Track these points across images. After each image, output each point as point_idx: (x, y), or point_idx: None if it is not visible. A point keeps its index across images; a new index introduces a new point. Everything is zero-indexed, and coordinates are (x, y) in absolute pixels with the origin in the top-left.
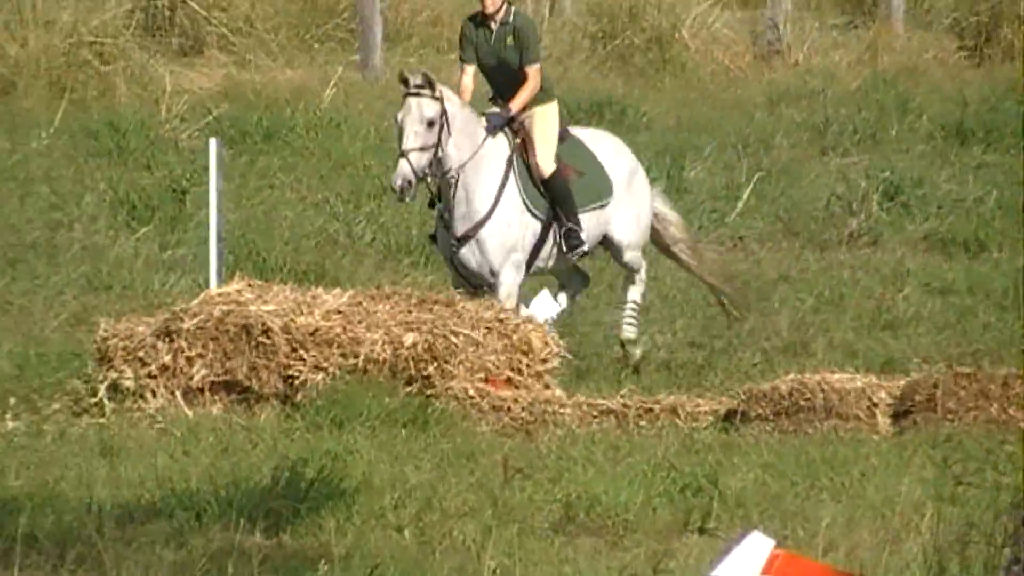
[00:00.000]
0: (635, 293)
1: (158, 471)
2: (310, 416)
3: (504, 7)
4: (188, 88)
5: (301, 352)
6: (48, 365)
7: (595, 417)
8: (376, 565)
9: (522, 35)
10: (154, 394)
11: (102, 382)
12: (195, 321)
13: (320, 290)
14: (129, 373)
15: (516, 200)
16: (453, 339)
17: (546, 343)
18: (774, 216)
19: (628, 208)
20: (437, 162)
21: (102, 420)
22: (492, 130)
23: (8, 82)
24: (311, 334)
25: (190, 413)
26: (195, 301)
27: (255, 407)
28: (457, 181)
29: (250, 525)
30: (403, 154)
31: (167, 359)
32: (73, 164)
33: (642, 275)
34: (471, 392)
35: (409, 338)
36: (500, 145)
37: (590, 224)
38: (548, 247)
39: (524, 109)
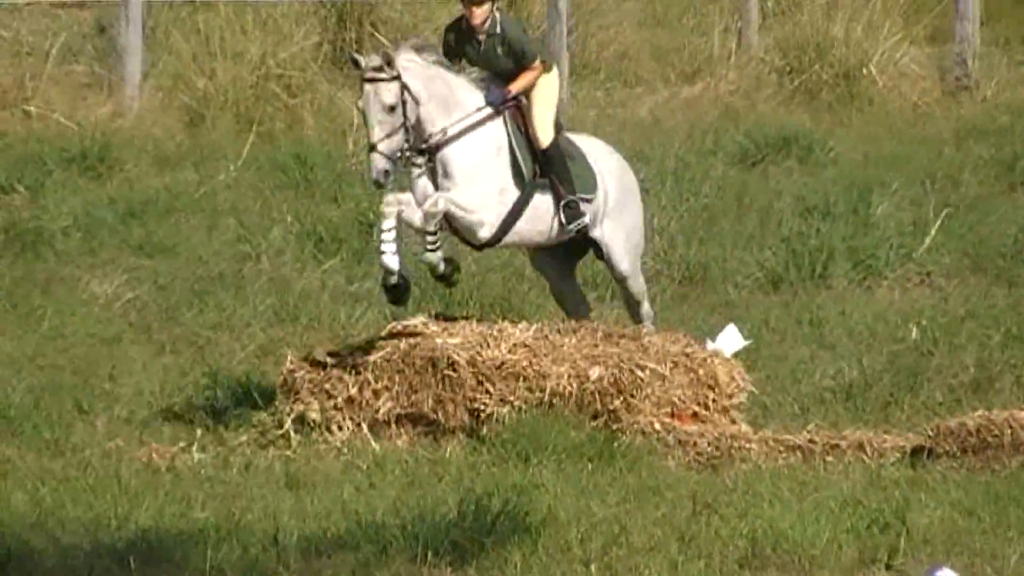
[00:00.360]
0: (647, 322)
1: (344, 503)
2: (496, 449)
3: (490, 17)
4: None
5: (487, 385)
6: (235, 397)
7: (781, 452)
8: None
9: (514, 45)
10: (340, 427)
11: (288, 414)
12: (381, 354)
13: (506, 323)
14: (315, 405)
15: (498, 137)
16: (639, 373)
17: (732, 378)
18: (962, 252)
19: (618, 223)
20: (413, 136)
21: (288, 452)
22: (492, 104)
23: (196, 114)
24: (497, 367)
25: (376, 446)
26: (381, 334)
27: (441, 440)
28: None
29: (436, 558)
30: (372, 147)
31: (353, 391)
32: (260, 197)
33: (647, 308)
34: (657, 426)
35: (595, 372)
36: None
37: None
38: (549, 224)
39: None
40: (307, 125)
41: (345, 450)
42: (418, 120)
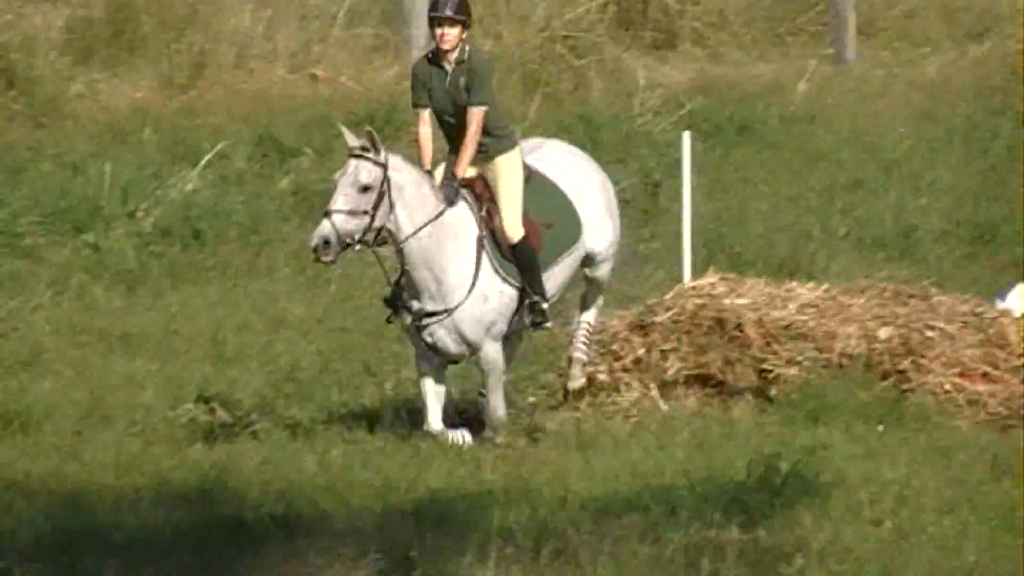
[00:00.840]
0: (589, 315)
1: (633, 465)
2: (784, 411)
3: (460, 45)
4: (661, 82)
5: (775, 346)
6: (524, 359)
7: None
8: (855, 559)
9: (476, 76)
10: (628, 387)
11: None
12: (669, 315)
13: (794, 284)
14: (603, 367)
15: (491, 274)
16: (928, 333)
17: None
18: None
19: (605, 220)
20: (381, 232)
21: (577, 414)
22: (450, 201)
23: None
24: (785, 328)
25: (664, 407)
26: (669, 295)
27: (729, 401)
28: (414, 253)
29: (724, 520)
30: (327, 213)
31: (641, 352)
32: None
33: (600, 301)
34: (947, 387)
35: (884, 332)
36: (464, 218)
37: (563, 272)
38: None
39: (472, 163)
40: (594, 87)
41: (633, 411)
42: (395, 223)
